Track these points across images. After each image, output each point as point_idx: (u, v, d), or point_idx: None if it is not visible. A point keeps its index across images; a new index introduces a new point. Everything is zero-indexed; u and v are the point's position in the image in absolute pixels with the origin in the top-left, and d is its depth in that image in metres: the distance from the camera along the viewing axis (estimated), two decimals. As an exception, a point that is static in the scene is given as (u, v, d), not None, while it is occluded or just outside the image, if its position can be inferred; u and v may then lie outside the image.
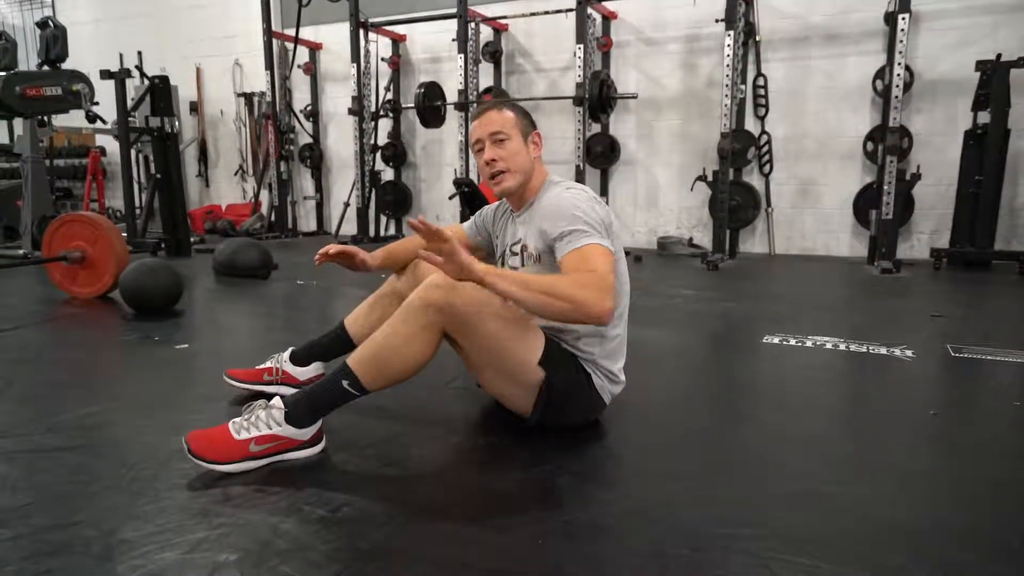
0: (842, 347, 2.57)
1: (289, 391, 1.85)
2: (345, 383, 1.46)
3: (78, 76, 4.83)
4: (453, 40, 6.17)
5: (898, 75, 4.62)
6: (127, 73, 5.40)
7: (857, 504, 1.34)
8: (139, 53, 7.55)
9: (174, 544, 1.16)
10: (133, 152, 6.21)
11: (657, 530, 1.24)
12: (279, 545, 1.16)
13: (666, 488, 1.42)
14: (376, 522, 1.25)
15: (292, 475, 1.44)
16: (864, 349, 2.53)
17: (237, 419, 1.47)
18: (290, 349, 1.95)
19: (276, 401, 1.48)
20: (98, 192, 7.58)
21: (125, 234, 5.09)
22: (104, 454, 1.57)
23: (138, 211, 5.90)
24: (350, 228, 7.14)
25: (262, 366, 1.94)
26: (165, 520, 1.24)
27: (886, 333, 2.84)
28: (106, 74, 5.30)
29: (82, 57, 7.11)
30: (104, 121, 5.06)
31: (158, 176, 5.51)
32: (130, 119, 5.43)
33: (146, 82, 5.61)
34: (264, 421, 1.45)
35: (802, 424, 1.82)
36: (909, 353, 2.46)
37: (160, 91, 5.47)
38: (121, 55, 7.58)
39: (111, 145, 8.00)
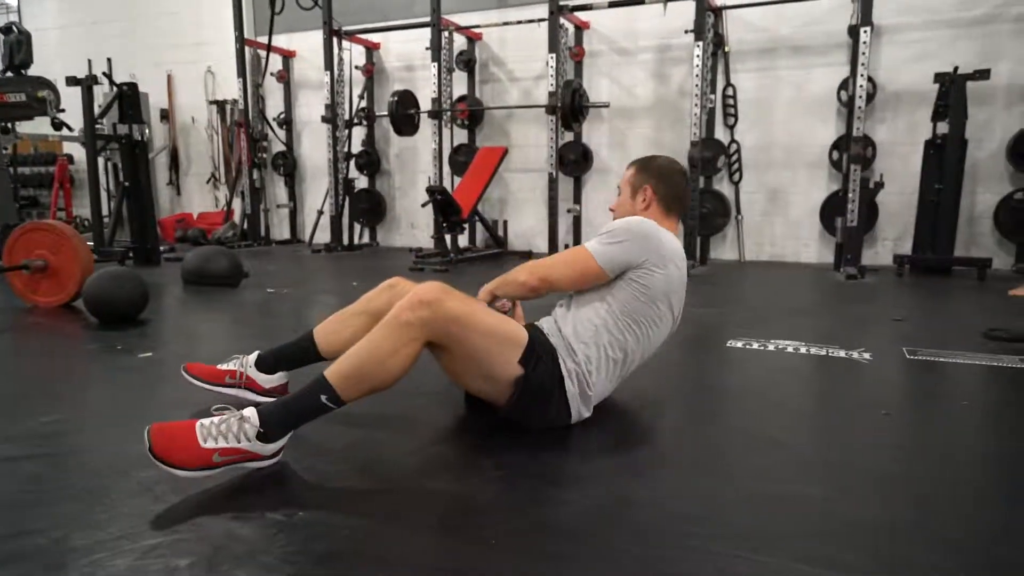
0: (803, 350, 2.62)
1: (251, 396, 1.85)
2: (323, 397, 1.47)
3: (43, 82, 4.76)
4: (427, 49, 6.20)
5: (861, 86, 4.75)
6: (94, 80, 5.33)
7: (811, 502, 1.37)
8: (108, 60, 7.45)
9: (126, 551, 1.15)
10: (101, 160, 6.13)
11: (613, 529, 1.26)
12: (234, 549, 1.15)
13: (626, 487, 1.45)
14: (335, 526, 1.25)
15: (255, 481, 1.43)
16: (824, 352, 2.59)
17: (206, 421, 1.41)
18: (256, 353, 1.93)
19: (252, 416, 1.43)
20: (65, 200, 7.46)
21: (92, 243, 5.01)
22: (62, 463, 1.55)
23: (106, 219, 5.81)
24: (324, 236, 7.10)
25: (224, 367, 1.90)
26: (120, 527, 1.23)
27: (846, 337, 2.90)
28: (72, 80, 5.23)
29: (48, 64, 7.00)
30: (71, 128, 4.99)
31: (126, 184, 5.44)
32: (98, 126, 5.36)
33: (114, 89, 5.54)
34: (235, 434, 1.40)
35: (761, 424, 1.85)
36: (867, 356, 2.52)
37: (128, 98, 5.40)
38: (90, 61, 7.46)
39: (79, 153, 7.88)
